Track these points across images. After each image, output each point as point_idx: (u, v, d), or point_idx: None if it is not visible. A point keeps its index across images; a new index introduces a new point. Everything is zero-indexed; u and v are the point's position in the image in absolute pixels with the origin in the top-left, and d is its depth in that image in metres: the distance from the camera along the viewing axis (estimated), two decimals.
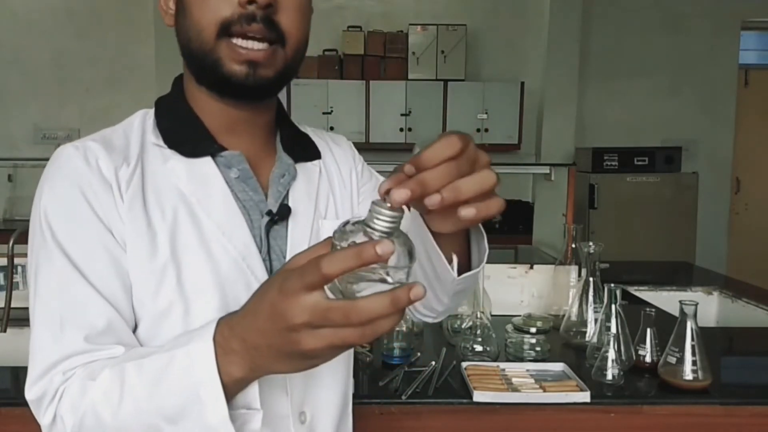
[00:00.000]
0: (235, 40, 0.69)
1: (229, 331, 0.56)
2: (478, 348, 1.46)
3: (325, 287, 0.49)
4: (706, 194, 4.24)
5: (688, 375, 1.28)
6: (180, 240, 0.71)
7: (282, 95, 0.82)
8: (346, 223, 0.51)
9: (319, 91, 4.23)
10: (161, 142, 0.75)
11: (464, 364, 1.38)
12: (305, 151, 0.85)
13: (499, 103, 4.29)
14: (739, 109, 4.76)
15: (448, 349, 1.51)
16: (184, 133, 0.76)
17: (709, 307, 2.18)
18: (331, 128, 4.23)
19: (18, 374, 1.38)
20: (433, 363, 1.42)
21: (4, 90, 4.50)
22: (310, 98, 4.20)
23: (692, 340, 1.28)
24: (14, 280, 1.71)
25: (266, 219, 0.76)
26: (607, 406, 1.27)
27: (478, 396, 1.24)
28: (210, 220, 0.72)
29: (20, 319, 1.69)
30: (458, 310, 1.63)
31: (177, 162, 0.74)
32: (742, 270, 4.11)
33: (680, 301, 1.31)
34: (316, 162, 0.85)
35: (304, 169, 0.83)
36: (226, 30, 0.68)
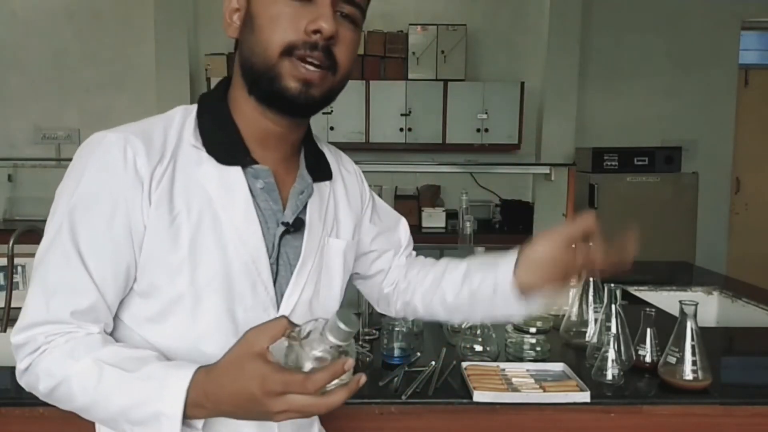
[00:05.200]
0: (296, 61, 0.75)
1: (204, 397, 0.70)
2: (478, 348, 1.46)
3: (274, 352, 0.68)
4: (706, 194, 4.23)
5: (688, 375, 1.28)
6: (200, 240, 0.78)
7: None
8: (308, 324, 0.69)
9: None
10: (200, 145, 0.81)
11: (464, 364, 1.38)
12: (322, 171, 0.93)
13: (499, 103, 4.29)
14: (739, 109, 4.76)
15: (448, 349, 1.51)
16: (222, 140, 0.82)
17: (709, 307, 2.18)
18: (331, 128, 4.23)
19: None
20: (433, 363, 1.42)
21: (4, 90, 4.49)
22: None
23: (692, 340, 1.28)
24: (14, 280, 1.71)
25: (281, 228, 0.84)
26: (607, 406, 1.27)
27: (478, 396, 1.24)
28: (230, 225, 0.80)
29: None
30: None
31: (210, 167, 0.80)
32: (742, 270, 4.11)
33: (680, 301, 1.31)
34: (327, 183, 0.94)
35: (318, 187, 0.91)
36: (289, 51, 0.75)
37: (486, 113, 4.28)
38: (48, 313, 0.75)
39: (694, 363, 1.28)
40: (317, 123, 4.18)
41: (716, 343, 1.69)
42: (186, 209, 0.78)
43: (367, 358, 1.44)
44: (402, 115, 4.28)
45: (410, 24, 4.33)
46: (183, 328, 0.79)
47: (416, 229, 4.27)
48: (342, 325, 0.65)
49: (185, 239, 0.77)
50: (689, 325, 1.29)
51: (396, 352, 1.43)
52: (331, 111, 4.23)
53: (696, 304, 1.29)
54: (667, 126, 4.65)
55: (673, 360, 1.29)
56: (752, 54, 4.90)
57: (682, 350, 1.29)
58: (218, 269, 0.79)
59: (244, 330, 0.80)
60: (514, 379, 1.33)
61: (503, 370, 1.38)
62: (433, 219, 4.28)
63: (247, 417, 0.71)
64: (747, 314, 2.05)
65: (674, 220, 3.98)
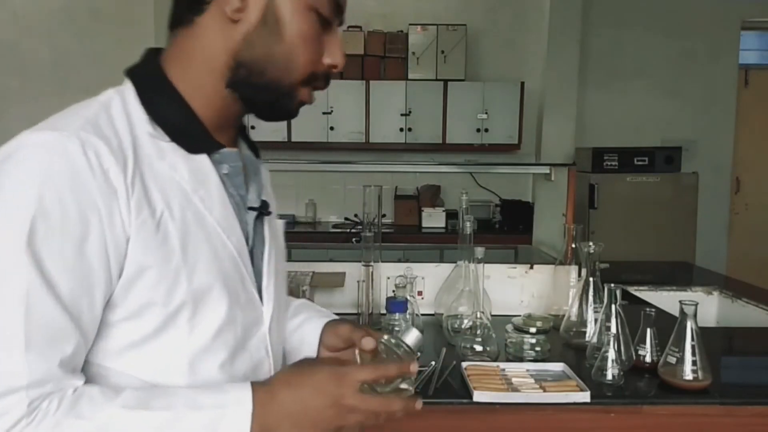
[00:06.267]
0: (310, 89, 0.77)
1: (270, 413, 0.67)
2: (478, 348, 1.46)
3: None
4: (706, 194, 4.23)
5: (688, 375, 1.28)
6: (190, 241, 0.69)
7: None
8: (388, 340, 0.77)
9: (319, 91, 4.22)
10: (158, 133, 0.71)
11: (464, 364, 1.38)
12: (254, 149, 0.87)
13: (499, 103, 4.29)
14: (739, 109, 4.75)
15: (448, 349, 1.51)
16: (184, 127, 0.72)
17: (709, 307, 2.18)
18: (332, 128, 4.23)
19: None
20: (433, 363, 1.42)
21: (4, 90, 4.49)
22: None
23: (692, 340, 1.28)
24: None
25: (253, 214, 0.79)
26: (607, 406, 1.27)
27: (478, 396, 1.24)
28: (212, 218, 0.72)
29: None
30: (458, 309, 1.63)
31: (177, 158, 0.71)
32: (742, 270, 4.11)
33: (680, 301, 1.31)
34: (260, 160, 0.88)
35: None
36: (309, 81, 0.76)
37: (486, 113, 4.28)
38: (29, 371, 0.58)
39: (694, 363, 1.28)
40: (318, 123, 4.19)
41: (716, 343, 1.69)
42: (168, 209, 0.68)
43: None
44: (402, 115, 4.28)
45: (410, 24, 4.32)
46: (180, 343, 0.69)
47: (416, 229, 4.27)
48: (414, 330, 0.77)
49: (176, 242, 0.67)
50: (689, 325, 1.29)
51: None
52: (331, 111, 4.23)
53: (696, 304, 1.29)
54: (667, 126, 4.65)
55: (673, 360, 1.29)
56: (752, 54, 4.89)
57: (682, 350, 1.29)
58: (213, 269, 0.71)
59: (243, 334, 0.75)
60: (514, 379, 1.33)
61: (503, 370, 1.38)
62: (433, 219, 4.28)
63: (311, 407, 0.68)
64: (747, 314, 2.05)
65: (674, 220, 3.98)
